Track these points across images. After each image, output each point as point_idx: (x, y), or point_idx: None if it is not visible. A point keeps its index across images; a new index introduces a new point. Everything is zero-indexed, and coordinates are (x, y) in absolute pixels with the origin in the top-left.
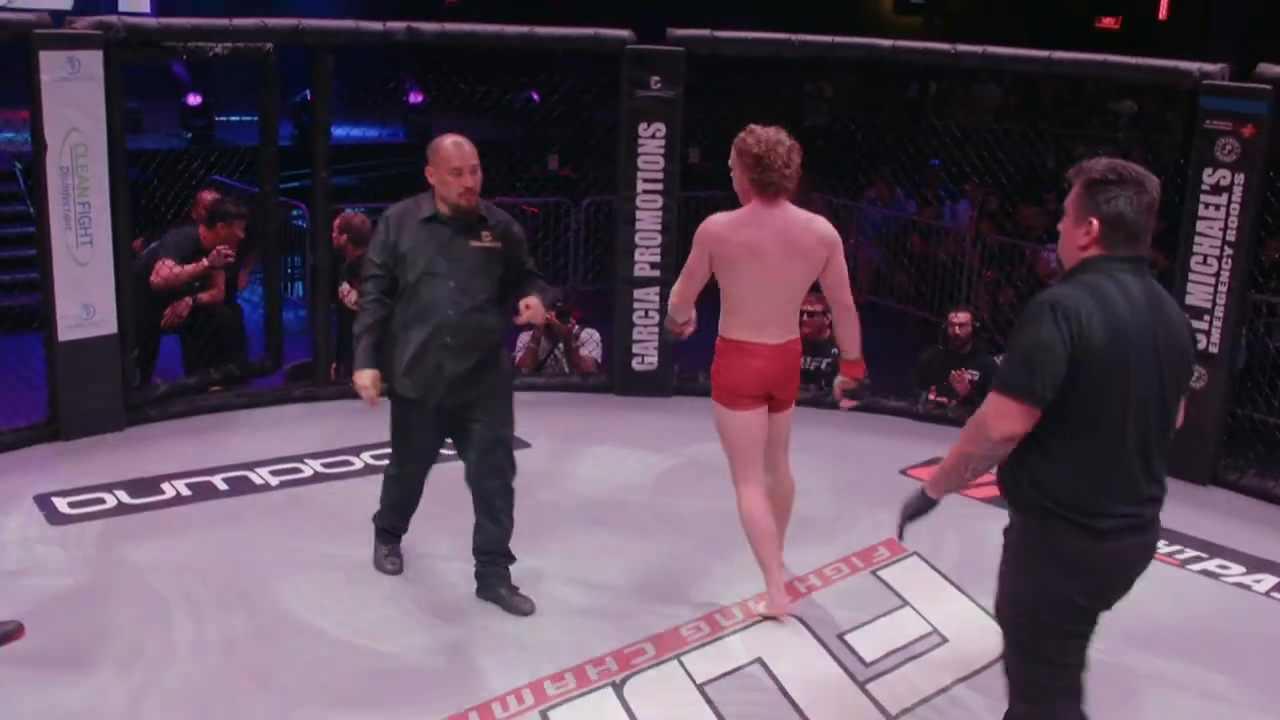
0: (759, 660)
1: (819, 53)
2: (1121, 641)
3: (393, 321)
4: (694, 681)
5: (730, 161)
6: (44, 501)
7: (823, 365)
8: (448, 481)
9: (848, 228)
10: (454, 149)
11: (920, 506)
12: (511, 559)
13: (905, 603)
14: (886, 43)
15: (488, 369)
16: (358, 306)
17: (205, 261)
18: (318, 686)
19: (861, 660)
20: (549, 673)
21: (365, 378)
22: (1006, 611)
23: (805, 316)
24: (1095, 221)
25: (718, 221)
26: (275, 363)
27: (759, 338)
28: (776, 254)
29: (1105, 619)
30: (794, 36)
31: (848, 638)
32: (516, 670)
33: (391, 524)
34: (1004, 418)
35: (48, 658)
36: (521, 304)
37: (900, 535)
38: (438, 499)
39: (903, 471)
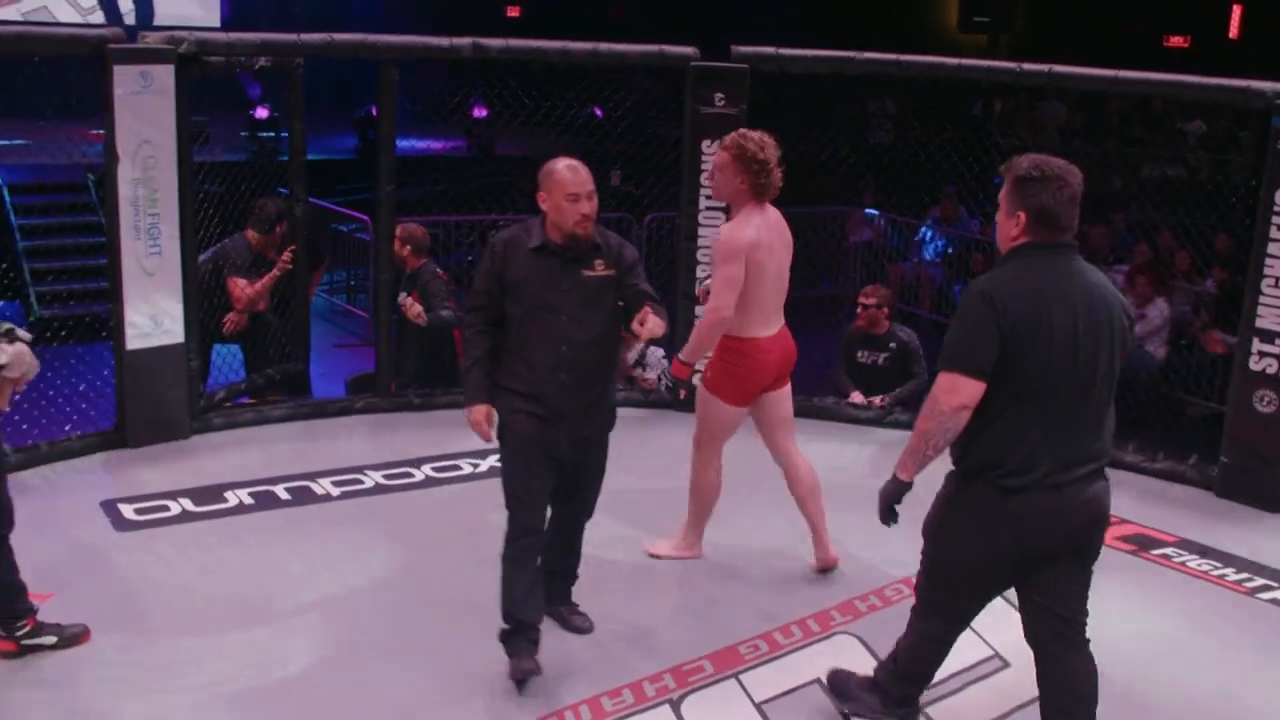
0: (819, 680)
1: (883, 70)
2: (1189, 668)
3: (502, 356)
4: (752, 700)
5: (719, 165)
6: (110, 508)
7: (879, 360)
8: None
9: (910, 246)
10: (570, 174)
11: (896, 491)
12: (575, 578)
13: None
14: (952, 61)
15: (601, 406)
16: (464, 340)
17: (276, 272)
18: (374, 702)
19: None
20: (606, 689)
21: (480, 413)
22: (929, 542)
23: (861, 309)
24: (1023, 214)
25: (743, 228)
26: (304, 364)
27: (768, 331)
28: (780, 251)
29: (1170, 650)
30: (857, 54)
31: None
32: (574, 686)
33: (522, 620)
34: (951, 392)
35: (110, 661)
36: (635, 322)
37: (885, 521)
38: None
39: None
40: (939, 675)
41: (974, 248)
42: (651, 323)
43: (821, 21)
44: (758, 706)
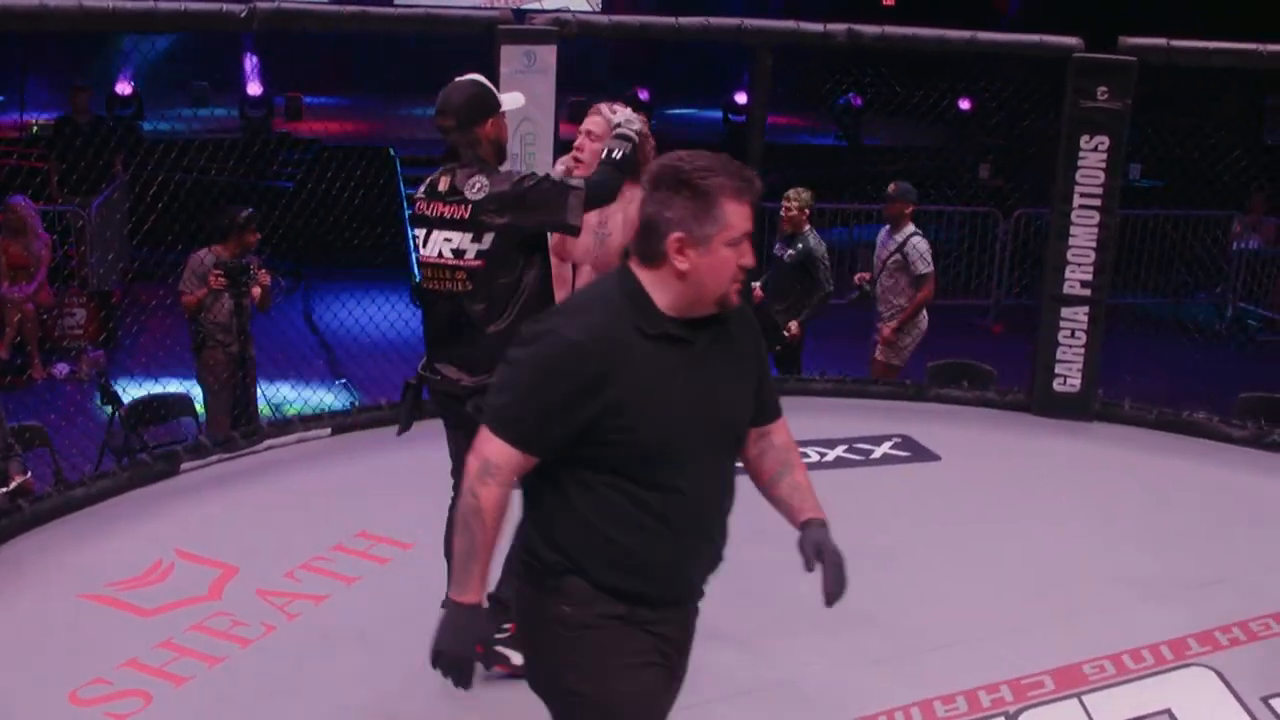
0: (1168, 712)
1: None
2: None
3: None
4: None
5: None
6: None
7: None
8: None
9: None
10: None
11: None
12: None
13: None
14: None
15: None
16: None
17: None
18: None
19: None
20: (939, 694)
21: None
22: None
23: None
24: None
25: None
26: None
27: None
28: None
29: None
30: (1262, 47)
31: (1273, 702)
32: (907, 689)
33: None
34: None
35: None
36: None
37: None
38: None
39: None
40: None
41: None
42: None
43: (1214, 9)
44: None
